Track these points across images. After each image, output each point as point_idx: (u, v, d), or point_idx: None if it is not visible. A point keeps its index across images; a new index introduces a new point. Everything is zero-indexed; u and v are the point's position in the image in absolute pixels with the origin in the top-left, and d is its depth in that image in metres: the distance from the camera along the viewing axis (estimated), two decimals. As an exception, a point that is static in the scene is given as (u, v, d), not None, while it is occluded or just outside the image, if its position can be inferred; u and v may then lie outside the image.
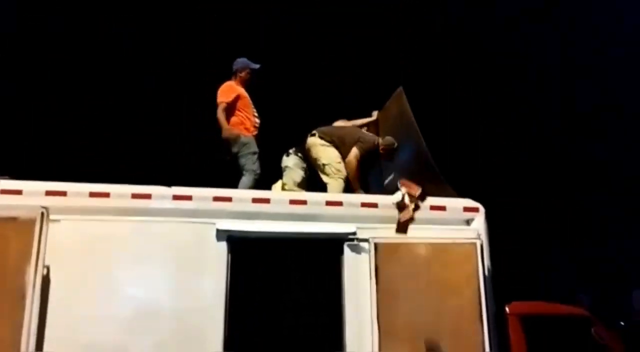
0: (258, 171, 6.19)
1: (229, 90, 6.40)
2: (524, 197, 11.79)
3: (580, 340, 5.88)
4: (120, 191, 5.03)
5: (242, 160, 6.21)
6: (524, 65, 12.99)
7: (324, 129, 6.76)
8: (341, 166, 6.45)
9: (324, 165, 6.43)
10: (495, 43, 12.56)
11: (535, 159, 12.49)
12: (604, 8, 12.68)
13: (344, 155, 6.50)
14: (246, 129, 6.36)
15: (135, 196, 5.03)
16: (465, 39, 12.49)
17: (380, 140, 6.67)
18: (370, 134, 6.80)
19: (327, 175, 6.43)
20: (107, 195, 4.98)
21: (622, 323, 6.41)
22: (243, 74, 6.56)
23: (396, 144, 6.60)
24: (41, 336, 4.41)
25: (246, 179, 6.10)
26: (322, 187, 6.47)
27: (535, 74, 13.20)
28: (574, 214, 12.10)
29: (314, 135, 6.66)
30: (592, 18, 12.70)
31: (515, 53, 12.85)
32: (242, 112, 6.39)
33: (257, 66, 6.63)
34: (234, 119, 6.33)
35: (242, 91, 6.49)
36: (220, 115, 6.25)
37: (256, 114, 6.55)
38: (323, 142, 6.55)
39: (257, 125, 6.50)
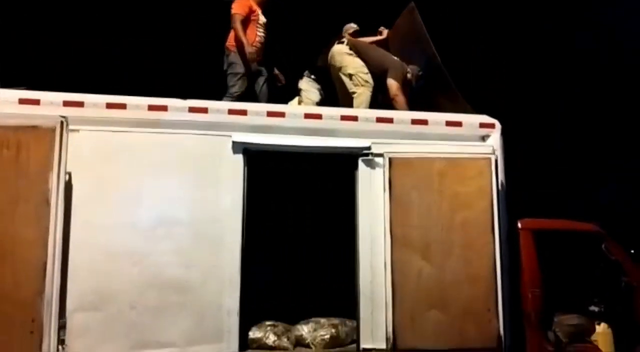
0: (236, 93, 6.06)
1: (244, 2, 6.25)
2: (544, 113, 11.62)
3: (591, 256, 5.98)
4: (137, 103, 5.06)
5: (228, 79, 6.17)
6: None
7: (352, 39, 6.60)
8: (368, 77, 6.32)
9: (350, 75, 6.31)
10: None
11: (555, 75, 12.19)
12: None
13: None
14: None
15: (151, 108, 5.06)
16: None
17: (408, 68, 6.45)
18: (396, 60, 6.52)
19: (355, 85, 6.33)
20: (123, 106, 5.02)
21: (632, 251, 6.44)
22: None
23: (421, 72, 6.43)
24: (66, 239, 4.59)
25: (225, 98, 6.00)
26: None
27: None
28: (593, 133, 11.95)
29: (342, 42, 6.52)
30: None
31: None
32: (247, 28, 6.23)
33: None
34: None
35: (254, 5, 6.35)
36: (238, 27, 6.12)
37: (261, 32, 6.38)
38: (350, 51, 6.41)
39: (260, 43, 6.34)
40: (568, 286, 5.93)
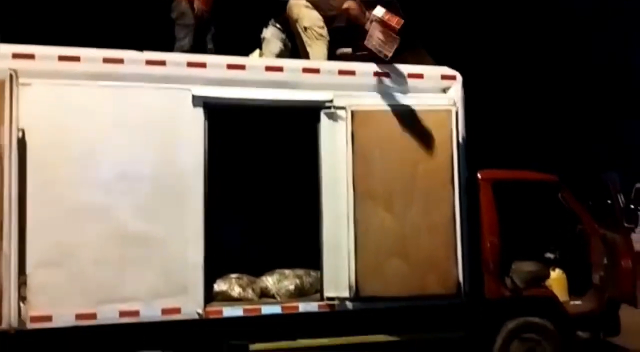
0: (186, 47, 5.83)
1: None
2: (506, 65, 11.69)
3: (547, 205, 6.17)
4: (91, 55, 4.89)
5: (176, 30, 5.94)
6: None
7: None
8: (324, 31, 6.14)
9: (305, 28, 6.13)
10: None
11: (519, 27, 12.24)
12: None
13: (327, 22, 6.19)
14: None
15: (106, 61, 4.90)
16: None
17: (370, 14, 6.25)
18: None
19: (309, 38, 6.18)
20: (77, 59, 4.84)
21: (590, 203, 6.63)
22: None
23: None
24: (22, 196, 4.50)
25: (175, 51, 5.78)
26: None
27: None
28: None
29: None
30: None
31: None
32: None
33: None
34: None
35: None
36: None
37: None
38: (307, 3, 6.23)
39: None
40: (525, 234, 6.13)
